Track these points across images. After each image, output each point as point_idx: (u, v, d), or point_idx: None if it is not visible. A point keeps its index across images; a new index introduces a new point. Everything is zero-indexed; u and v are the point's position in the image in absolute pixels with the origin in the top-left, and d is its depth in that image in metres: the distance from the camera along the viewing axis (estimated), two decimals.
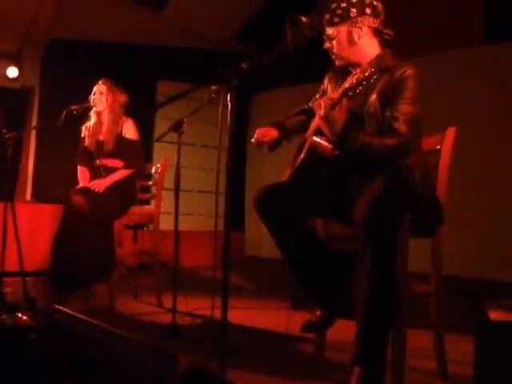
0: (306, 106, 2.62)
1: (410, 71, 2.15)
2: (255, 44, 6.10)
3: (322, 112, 2.11)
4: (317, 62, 2.63)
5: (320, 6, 5.46)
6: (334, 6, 2.29)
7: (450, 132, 2.32)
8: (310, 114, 2.49)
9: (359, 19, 2.25)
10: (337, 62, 2.34)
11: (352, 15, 2.25)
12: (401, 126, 2.09)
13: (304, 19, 2.11)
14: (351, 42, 2.27)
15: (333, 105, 2.10)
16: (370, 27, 2.26)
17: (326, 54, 2.39)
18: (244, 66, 1.87)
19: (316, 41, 2.19)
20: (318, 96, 2.54)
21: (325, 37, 2.29)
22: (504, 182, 4.70)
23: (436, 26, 5.29)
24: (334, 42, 2.30)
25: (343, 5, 2.26)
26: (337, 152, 2.18)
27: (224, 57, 6.11)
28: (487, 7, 5.10)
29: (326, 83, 2.47)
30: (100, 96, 3.89)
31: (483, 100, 4.84)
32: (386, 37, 2.29)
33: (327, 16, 2.30)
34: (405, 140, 2.10)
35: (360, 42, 2.27)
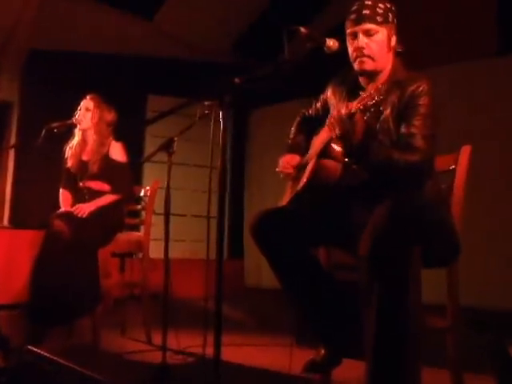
0: (306, 113, 2.66)
1: (424, 86, 2.17)
2: (252, 56, 6.14)
3: (337, 130, 2.10)
4: (320, 75, 2.64)
5: (321, 16, 5.55)
6: (370, 3, 2.26)
7: (465, 150, 2.33)
8: (313, 122, 2.55)
9: (394, 26, 2.28)
10: (365, 66, 2.27)
11: (390, 19, 2.27)
12: (419, 143, 2.12)
13: (303, 30, 2.14)
14: (389, 48, 2.28)
15: (345, 119, 2.09)
16: (395, 35, 2.30)
17: (328, 66, 2.40)
18: (237, 80, 1.88)
19: (317, 53, 2.21)
20: (319, 105, 2.57)
21: (325, 48, 2.26)
22: None
23: (448, 37, 5.33)
24: (369, 43, 2.25)
25: (381, 5, 2.26)
26: (344, 175, 2.20)
27: (219, 69, 6.17)
28: (501, 18, 5.16)
29: (329, 94, 2.48)
30: (85, 112, 3.89)
31: (499, 114, 4.87)
32: (399, 47, 2.31)
33: (367, 11, 2.25)
34: (426, 157, 2.13)
35: (391, 50, 2.29)
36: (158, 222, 3.91)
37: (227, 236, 6.55)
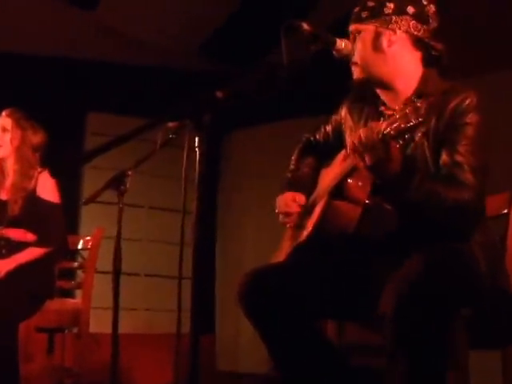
0: (312, 139, 2.71)
1: (470, 100, 2.18)
2: (228, 61, 6.17)
3: (369, 158, 2.05)
4: (325, 86, 2.66)
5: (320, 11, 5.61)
6: None
7: None
8: (321, 150, 2.62)
9: (394, 18, 2.28)
10: (355, 74, 2.36)
11: (386, 11, 2.28)
12: (467, 176, 2.12)
13: (305, 26, 2.17)
14: (377, 47, 2.30)
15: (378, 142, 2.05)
16: (408, 33, 2.29)
17: (337, 75, 2.43)
18: (219, 94, 1.88)
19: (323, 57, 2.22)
20: (329, 128, 2.62)
21: (334, 51, 2.32)
22: None
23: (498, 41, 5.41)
24: (355, 46, 2.32)
25: None
26: (365, 217, 2.21)
27: (183, 78, 6.18)
28: None
29: (344, 114, 2.53)
30: (2, 134, 3.87)
31: None
32: (432, 52, 2.31)
33: (356, 9, 2.34)
34: (478, 195, 2.13)
35: (390, 51, 2.30)
36: (100, 285, 3.87)
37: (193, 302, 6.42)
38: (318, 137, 2.68)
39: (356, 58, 2.33)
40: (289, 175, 2.70)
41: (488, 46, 5.28)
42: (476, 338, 2.05)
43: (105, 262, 3.75)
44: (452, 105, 2.18)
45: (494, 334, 2.17)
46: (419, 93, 2.22)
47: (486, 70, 4.99)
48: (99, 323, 4.00)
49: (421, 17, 2.28)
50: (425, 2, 2.30)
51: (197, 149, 1.90)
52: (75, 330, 4.04)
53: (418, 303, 1.88)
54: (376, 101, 2.38)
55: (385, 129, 1.98)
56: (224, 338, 6.63)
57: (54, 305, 3.81)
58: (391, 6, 2.27)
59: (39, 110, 4.04)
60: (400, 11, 2.27)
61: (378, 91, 2.37)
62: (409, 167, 2.12)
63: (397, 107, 2.10)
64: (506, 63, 5.12)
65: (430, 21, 2.30)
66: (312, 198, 2.52)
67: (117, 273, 2.90)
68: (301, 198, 2.55)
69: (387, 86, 2.32)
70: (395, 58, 2.30)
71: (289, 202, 2.55)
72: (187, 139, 1.97)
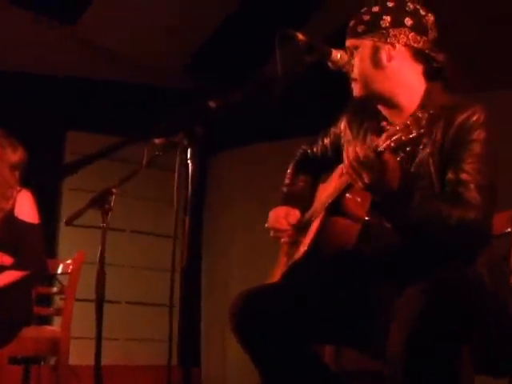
0: (309, 151, 2.72)
1: (477, 116, 2.17)
2: (213, 78, 6.17)
3: (366, 176, 2.04)
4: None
5: (312, 23, 5.62)
6: (364, 9, 2.33)
7: None
8: (318, 164, 2.64)
9: (392, 32, 2.27)
10: (355, 92, 2.36)
11: (383, 25, 2.27)
12: (474, 196, 2.11)
13: (300, 36, 2.17)
14: (377, 63, 2.29)
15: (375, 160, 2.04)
16: (408, 46, 2.28)
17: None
18: (212, 104, 1.86)
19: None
20: (327, 141, 2.63)
21: (329, 62, 2.32)
22: None
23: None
24: (353, 61, 2.32)
25: (374, 9, 2.30)
26: (364, 238, 2.20)
27: (168, 96, 6.16)
28: None
29: (343, 127, 2.52)
30: None
31: None
32: (434, 64, 2.31)
33: (351, 23, 2.34)
34: (483, 216, 2.11)
35: (390, 66, 2.29)
36: (77, 314, 3.82)
37: (177, 332, 6.31)
38: (315, 150, 2.69)
39: (355, 74, 2.33)
40: (284, 189, 2.72)
41: (486, 65, 5.33)
42: (481, 364, 2.04)
43: (83, 289, 3.71)
44: (459, 120, 2.18)
45: (500, 360, 2.14)
46: (423, 107, 2.21)
47: (486, 88, 5.03)
48: (79, 354, 3.95)
49: (419, 28, 2.28)
50: (423, 12, 2.30)
51: (189, 161, 1.88)
52: (52, 362, 3.98)
53: (425, 345, 1.87)
54: (377, 115, 2.38)
55: (383, 142, 1.98)
56: (211, 369, 6.58)
57: (31, 332, 3.75)
58: (388, 18, 2.27)
59: (17, 128, 4.01)
60: (398, 23, 2.27)
61: (380, 107, 2.38)
62: (410, 185, 2.11)
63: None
64: (505, 82, 5.18)
65: (430, 31, 2.30)
66: (309, 213, 2.51)
67: (100, 299, 2.86)
68: (295, 214, 2.56)
69: (390, 102, 2.32)
70: (396, 72, 2.30)
71: (280, 218, 2.57)
72: (178, 153, 1.95)
